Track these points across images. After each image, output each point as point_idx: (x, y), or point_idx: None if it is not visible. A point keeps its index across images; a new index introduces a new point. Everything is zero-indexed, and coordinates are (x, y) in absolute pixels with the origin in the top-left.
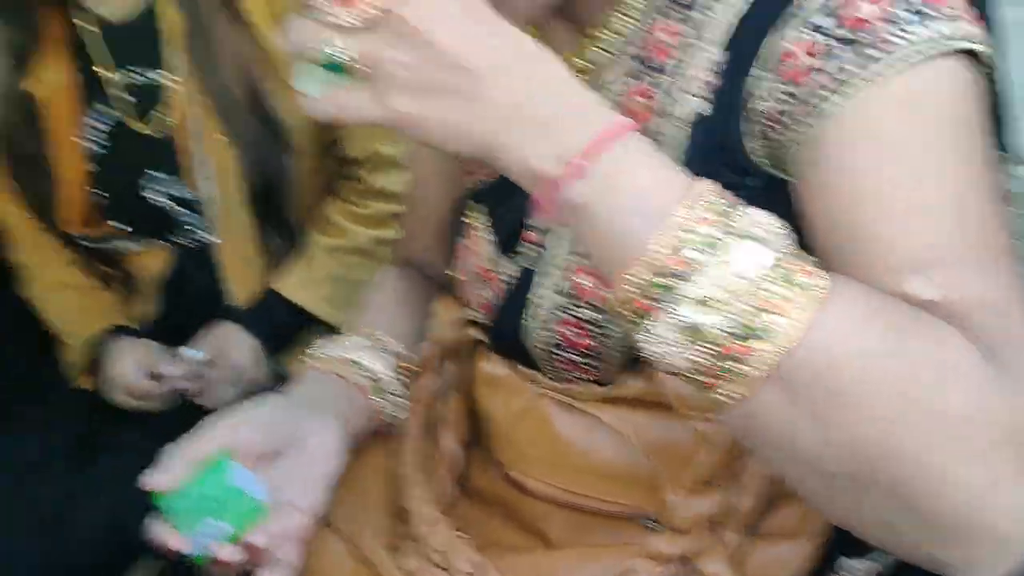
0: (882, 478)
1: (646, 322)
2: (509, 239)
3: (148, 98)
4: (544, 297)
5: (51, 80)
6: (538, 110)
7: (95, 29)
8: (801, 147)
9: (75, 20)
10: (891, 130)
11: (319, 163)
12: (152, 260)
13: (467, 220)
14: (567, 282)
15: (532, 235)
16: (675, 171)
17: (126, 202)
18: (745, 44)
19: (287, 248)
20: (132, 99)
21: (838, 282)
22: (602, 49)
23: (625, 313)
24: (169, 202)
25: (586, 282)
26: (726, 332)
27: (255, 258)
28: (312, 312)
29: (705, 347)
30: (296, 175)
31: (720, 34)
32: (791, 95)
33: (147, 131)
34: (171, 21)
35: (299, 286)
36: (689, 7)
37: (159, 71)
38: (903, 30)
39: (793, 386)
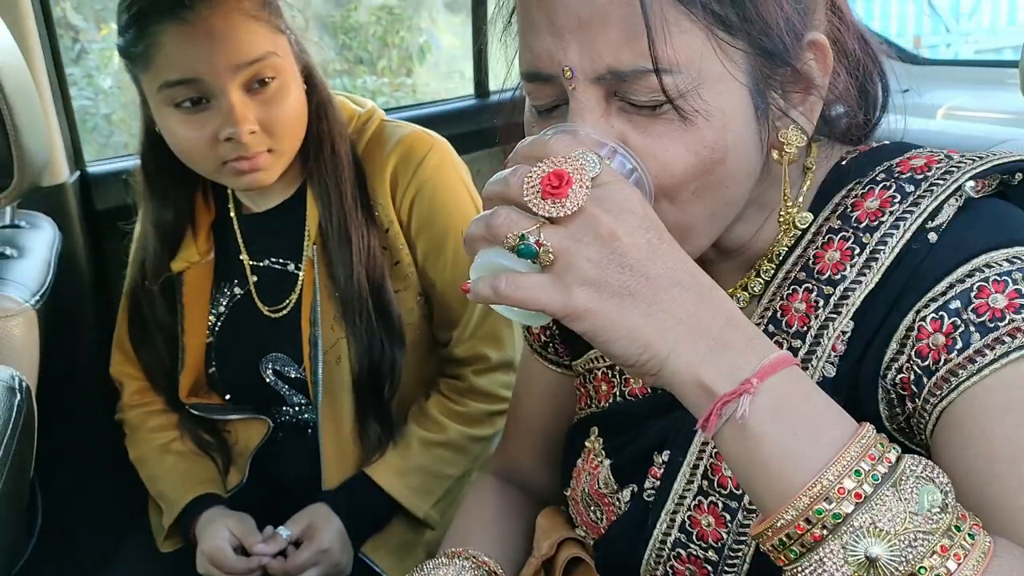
0: None
1: (814, 553)
2: (627, 467)
3: (277, 282)
4: (663, 532)
5: (192, 259)
6: (712, 328)
7: (239, 216)
8: (936, 416)
9: (224, 208)
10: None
11: (425, 360)
12: (251, 432)
13: (587, 444)
14: (687, 520)
15: (655, 469)
16: (839, 408)
17: (239, 376)
18: (875, 317)
19: (384, 436)
20: (263, 281)
21: (998, 537)
22: (740, 307)
23: (783, 542)
24: (278, 379)
25: (708, 521)
26: (900, 569)
27: (352, 442)
28: (400, 501)
29: None
30: (402, 368)
31: (852, 306)
32: (925, 369)
33: (270, 312)
34: (311, 215)
35: (391, 474)
36: (825, 281)
37: (291, 259)
38: None
39: None
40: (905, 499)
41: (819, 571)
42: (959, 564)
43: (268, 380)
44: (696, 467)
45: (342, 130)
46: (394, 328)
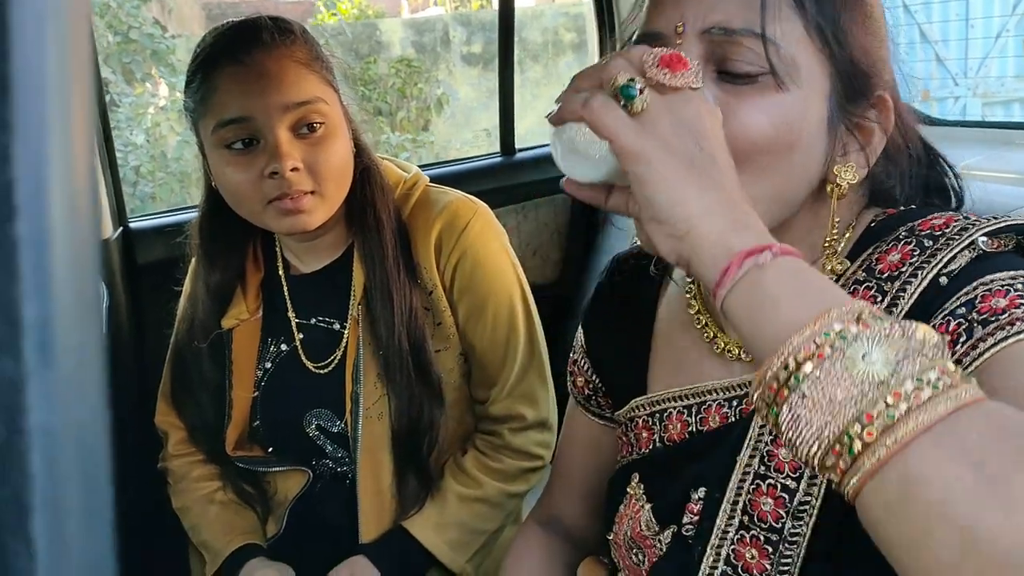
0: None
1: (815, 370)
2: (667, 509)
3: (323, 340)
4: (709, 566)
5: (242, 316)
6: (745, 218)
7: (287, 276)
8: None
9: (273, 268)
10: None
11: (463, 417)
12: (291, 483)
13: (628, 490)
14: (731, 554)
15: (693, 506)
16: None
17: (283, 430)
18: None
19: (422, 490)
20: (308, 339)
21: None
22: None
23: (786, 368)
24: (321, 434)
25: (751, 554)
26: (898, 375)
27: (390, 495)
28: (437, 556)
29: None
30: (441, 426)
31: None
32: None
33: (316, 368)
34: (357, 277)
35: (429, 528)
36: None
37: (337, 318)
38: None
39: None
40: (905, 331)
41: (817, 387)
42: (954, 383)
43: (311, 434)
44: (736, 503)
45: (386, 196)
46: (433, 387)
